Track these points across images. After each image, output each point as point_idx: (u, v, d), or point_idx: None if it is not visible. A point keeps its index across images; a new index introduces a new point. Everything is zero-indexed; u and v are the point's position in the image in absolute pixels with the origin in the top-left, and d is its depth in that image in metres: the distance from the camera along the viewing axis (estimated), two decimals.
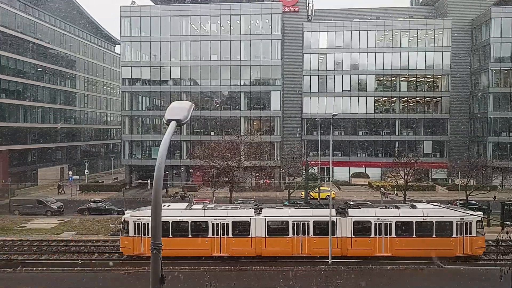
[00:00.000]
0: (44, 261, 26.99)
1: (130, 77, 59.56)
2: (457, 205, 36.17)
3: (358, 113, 62.14)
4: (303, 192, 46.35)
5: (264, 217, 26.38)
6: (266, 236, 26.13)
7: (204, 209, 27.31)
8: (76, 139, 74.00)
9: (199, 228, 26.48)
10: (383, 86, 63.54)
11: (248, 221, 26.31)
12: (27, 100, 60.80)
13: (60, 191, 54.63)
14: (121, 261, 26.89)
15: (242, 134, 52.60)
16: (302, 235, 26.19)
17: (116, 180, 63.52)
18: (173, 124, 3.92)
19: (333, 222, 26.01)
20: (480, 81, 61.29)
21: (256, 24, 58.33)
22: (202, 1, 59.96)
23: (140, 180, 59.62)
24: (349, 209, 27.23)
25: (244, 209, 27.92)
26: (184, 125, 4.25)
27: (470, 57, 63.82)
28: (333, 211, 26.35)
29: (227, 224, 26.21)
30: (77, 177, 60.47)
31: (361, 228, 26.37)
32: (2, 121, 55.39)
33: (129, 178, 60.31)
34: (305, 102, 63.20)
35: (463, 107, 63.45)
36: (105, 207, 42.41)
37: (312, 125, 62.72)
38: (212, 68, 58.21)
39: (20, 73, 59.29)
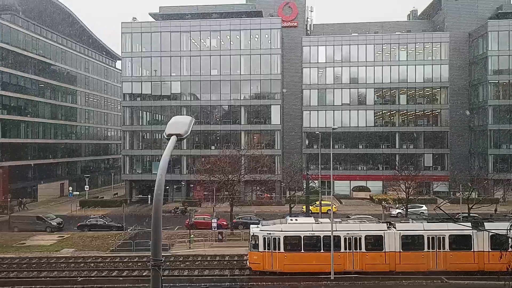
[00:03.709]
0: (43, 279, 26.65)
1: (130, 92, 59.93)
2: (459, 218, 35.82)
3: (358, 126, 62.27)
4: (304, 206, 46.12)
5: (399, 231, 25.70)
6: (401, 251, 25.44)
7: (336, 223, 26.69)
8: (76, 155, 74.00)
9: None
10: (382, 100, 63.82)
11: (381, 235, 25.67)
12: (28, 116, 61.03)
13: (20, 207, 52.73)
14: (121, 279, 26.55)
15: (242, 148, 52.60)
16: (438, 250, 25.44)
17: (116, 196, 63.24)
18: (173, 139, 3.91)
19: (470, 236, 25.18)
20: (478, 93, 61.62)
21: (256, 39, 58.95)
22: (202, 17, 60.72)
23: (141, 196, 59.37)
24: (485, 222, 26.26)
25: (374, 223, 27.50)
26: (185, 140, 4.24)
27: (468, 69, 64.33)
28: (468, 224, 25.44)
29: (360, 239, 25.59)
30: (77, 193, 60.25)
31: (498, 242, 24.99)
32: (3, 137, 55.49)
33: (129, 194, 60.05)
34: (305, 115, 63.42)
35: (462, 119, 63.61)
36: (105, 223, 42.09)
37: (312, 138, 62.78)
38: (212, 83, 58.58)
39: (21, 89, 59.69)
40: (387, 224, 26.57)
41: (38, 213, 46.18)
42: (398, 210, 45.46)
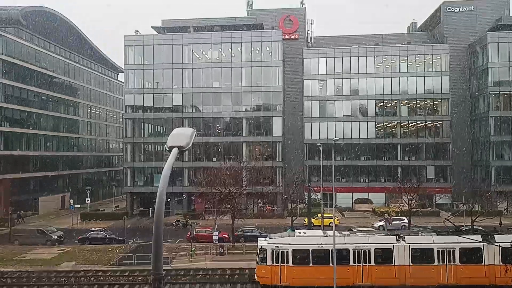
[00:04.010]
0: None
1: (132, 105, 60.20)
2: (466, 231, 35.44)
3: (359, 138, 62.20)
4: (306, 219, 45.80)
5: (408, 244, 25.32)
6: (410, 264, 25.03)
7: (344, 236, 26.47)
8: (78, 167, 73.97)
9: (341, 256, 25.12)
10: (383, 111, 63.87)
11: (391, 248, 25.28)
12: (30, 128, 61.24)
13: (18, 220, 52.29)
14: None
15: (244, 160, 52.54)
16: (448, 263, 25.03)
17: (117, 208, 63.00)
18: (175, 151, 3.89)
19: (480, 249, 24.83)
20: (479, 105, 61.67)
21: (257, 51, 59.41)
22: (204, 30, 61.33)
23: (142, 208, 59.11)
24: (495, 235, 25.89)
25: (383, 235, 27.16)
26: (186, 152, 4.21)
27: (469, 81, 64.51)
28: (478, 237, 25.03)
29: (369, 252, 25.21)
30: (78, 206, 60.04)
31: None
32: (5, 149, 55.59)
33: (130, 206, 59.82)
34: (306, 127, 63.47)
35: (464, 131, 63.54)
36: (106, 236, 41.83)
37: (313, 150, 62.66)
38: (214, 95, 58.85)
39: (24, 101, 60.04)
40: (396, 237, 26.22)
41: (39, 226, 45.95)
42: (380, 223, 45.08)
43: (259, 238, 28.26)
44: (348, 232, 29.00)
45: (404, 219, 44.75)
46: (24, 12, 62.14)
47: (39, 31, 65.68)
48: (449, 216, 32.78)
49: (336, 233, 26.83)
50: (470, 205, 41.69)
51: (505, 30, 59.87)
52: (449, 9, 65.25)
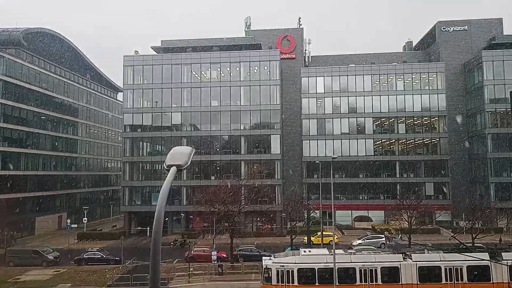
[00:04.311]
0: None
1: (131, 123, 60.38)
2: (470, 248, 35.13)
3: (358, 155, 62.26)
4: (306, 237, 45.38)
5: (415, 263, 24.86)
6: (418, 283, 24.52)
7: (350, 254, 26.07)
8: (75, 186, 73.55)
9: (347, 275, 24.78)
10: (381, 128, 64.16)
11: (397, 267, 24.83)
12: (29, 148, 61.18)
13: (11, 241, 51.10)
14: None
15: (242, 178, 52.36)
16: (455, 282, 24.54)
17: (115, 228, 62.33)
18: (173, 169, 3.90)
19: (488, 267, 24.38)
20: (476, 122, 62.08)
21: (255, 71, 60.07)
22: (203, 50, 62.13)
23: (139, 228, 58.50)
24: (503, 253, 25.50)
25: (390, 253, 26.74)
26: (185, 170, 4.23)
27: (465, 98, 65.12)
28: (486, 254, 24.56)
29: (376, 271, 24.76)
30: (75, 225, 59.37)
31: None
32: (2, 169, 55.35)
33: (128, 226, 59.21)
34: (304, 145, 63.59)
35: (462, 148, 63.76)
36: (102, 256, 41.26)
37: (312, 168, 62.63)
38: (212, 113, 59.15)
39: (23, 121, 60.17)
40: (403, 255, 25.90)
41: (35, 246, 45.36)
42: (358, 241, 44.65)
43: (263, 258, 27.90)
44: (354, 250, 28.66)
45: (382, 237, 44.60)
46: (25, 33, 63.01)
47: (40, 51, 66.43)
48: (455, 234, 32.57)
49: (341, 251, 26.52)
50: (470, 222, 41.44)
51: (499, 48, 60.85)
52: (443, 28, 66.47)
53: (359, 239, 45.74)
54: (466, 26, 66.01)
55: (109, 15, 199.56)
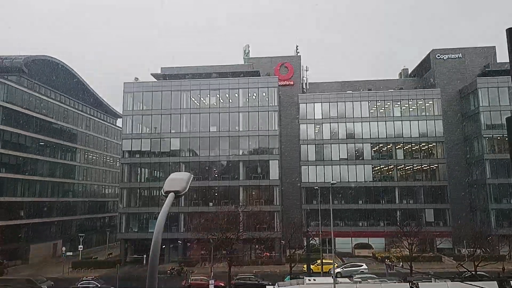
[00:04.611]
0: None
1: (130, 149, 60.36)
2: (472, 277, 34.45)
3: (356, 181, 62.02)
4: (305, 265, 44.53)
5: None
6: None
7: (356, 283, 25.40)
8: (72, 213, 72.65)
9: None
10: (379, 154, 64.23)
11: None
12: (26, 174, 60.82)
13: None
14: None
15: (241, 204, 51.92)
16: None
17: (110, 256, 61.14)
18: (171, 196, 3.86)
19: None
20: (474, 148, 62.28)
21: (254, 97, 60.72)
22: (202, 77, 63.00)
23: (136, 255, 57.40)
24: None
25: (396, 282, 26.06)
26: (182, 197, 4.18)
27: (462, 124, 65.60)
28: (494, 283, 23.95)
29: None
30: (71, 253, 58.26)
31: None
32: None
33: (124, 253, 58.08)
34: (303, 170, 63.42)
35: (461, 173, 63.66)
36: (97, 285, 40.25)
37: (311, 194, 62.23)
38: (211, 139, 59.32)
39: (21, 147, 60.14)
40: (409, 284, 25.32)
41: (28, 275, 44.28)
42: (337, 270, 43.76)
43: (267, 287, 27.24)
44: (360, 279, 28.07)
45: (363, 265, 43.90)
46: (27, 61, 63.98)
47: (41, 78, 67.25)
48: (462, 262, 31.95)
49: (347, 279, 25.94)
50: (472, 250, 40.84)
51: (494, 75, 61.84)
52: (438, 56, 67.81)
53: (338, 267, 44.77)
54: (460, 54, 67.39)
55: (110, 43, 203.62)
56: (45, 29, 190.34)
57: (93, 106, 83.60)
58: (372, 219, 61.89)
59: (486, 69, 64.77)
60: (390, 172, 63.80)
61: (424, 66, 72.40)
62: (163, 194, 3.96)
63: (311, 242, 48.67)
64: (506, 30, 7.93)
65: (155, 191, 60.15)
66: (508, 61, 7.92)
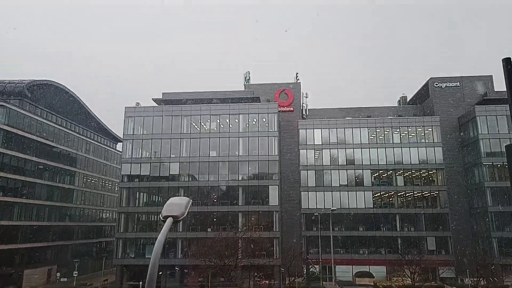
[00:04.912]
0: None
1: (129, 173, 60.15)
2: None
3: (357, 208, 61.43)
4: None
5: None
6: None
7: None
8: (68, 238, 71.59)
9: None
10: (380, 181, 63.92)
11: None
12: (24, 197, 60.36)
13: None
14: None
15: (239, 230, 51.26)
16: None
17: (106, 282, 59.80)
18: (169, 221, 3.83)
19: None
20: (474, 175, 62.07)
21: (254, 122, 61.08)
22: (203, 102, 63.61)
23: (132, 282, 56.13)
24: None
25: None
26: (181, 222, 4.15)
27: (462, 152, 65.64)
28: None
29: None
30: (65, 279, 57.03)
31: None
32: None
33: (120, 280, 56.79)
34: (303, 196, 62.96)
35: (462, 201, 63.16)
36: None
37: (311, 220, 61.53)
38: (210, 164, 59.24)
39: (20, 170, 59.96)
40: None
41: None
42: None
43: None
44: None
45: None
46: (30, 85, 64.78)
47: (43, 102, 67.89)
48: None
49: None
50: (476, 279, 40.00)
51: (491, 104, 62.42)
52: (436, 84, 68.66)
53: None
54: (458, 83, 68.26)
55: (112, 67, 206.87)
56: (47, 53, 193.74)
57: (94, 130, 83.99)
58: (373, 246, 60.92)
59: (484, 98, 65.44)
60: (390, 199, 63.31)
61: (423, 93, 73.19)
62: (162, 219, 3.93)
63: (311, 269, 47.74)
64: (502, 60, 8.09)
65: (153, 216, 59.52)
66: (506, 89, 8.04)
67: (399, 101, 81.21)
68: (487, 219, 57.74)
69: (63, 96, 73.53)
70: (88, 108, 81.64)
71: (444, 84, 68.44)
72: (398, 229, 60.66)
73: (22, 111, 61.37)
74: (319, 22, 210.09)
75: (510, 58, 7.99)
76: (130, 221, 59.78)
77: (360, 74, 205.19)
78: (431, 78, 69.65)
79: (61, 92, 73.00)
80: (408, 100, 79.40)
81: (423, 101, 72.85)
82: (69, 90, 74.99)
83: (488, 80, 68.59)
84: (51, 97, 69.53)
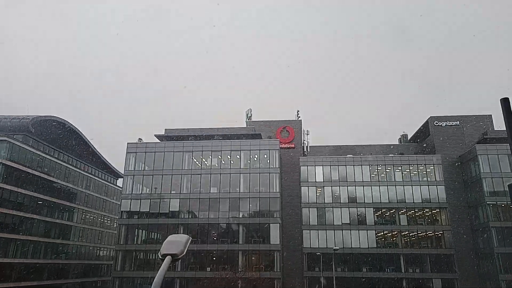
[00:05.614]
0: None
1: (129, 210, 59.48)
2: None
3: (360, 247, 60.00)
4: None
5: None
6: None
7: None
8: (63, 276, 69.65)
9: None
10: (382, 219, 62.90)
11: None
12: (21, 234, 59.35)
13: None
14: None
15: (239, 270, 49.88)
16: None
17: None
18: (168, 259, 3.74)
19: None
20: (478, 214, 61.10)
21: (255, 159, 61.11)
22: (205, 139, 64.02)
23: None
24: None
25: None
26: (179, 260, 4.05)
27: (465, 191, 64.99)
28: None
29: None
30: None
31: None
32: None
33: None
34: (305, 235, 61.71)
35: (467, 241, 61.74)
36: None
37: (313, 259, 59.95)
38: (211, 200, 58.67)
39: (19, 205, 59.39)
40: None
41: None
42: None
43: None
44: None
45: None
46: (34, 121, 65.60)
47: (46, 137, 68.44)
48: None
49: None
50: None
51: (492, 143, 62.61)
52: (436, 123, 69.23)
53: None
54: (458, 122, 68.82)
55: (113, 102, 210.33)
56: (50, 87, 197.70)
57: (95, 165, 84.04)
58: None
59: (484, 137, 65.75)
60: (394, 239, 61.97)
61: (423, 132, 73.65)
62: (160, 257, 3.83)
63: None
64: (500, 100, 8.21)
65: (151, 254, 58.19)
66: (505, 128, 8.10)
67: (399, 138, 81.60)
68: (494, 261, 56.16)
69: (66, 131, 74.25)
70: (91, 143, 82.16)
71: (444, 123, 68.99)
72: (403, 271, 58.89)
73: (26, 147, 61.72)
74: (320, 59, 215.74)
75: (507, 98, 8.12)
76: (128, 259, 58.38)
77: (361, 112, 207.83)
78: (431, 116, 70.33)
79: (65, 128, 73.79)
80: (409, 138, 79.81)
81: (423, 139, 73.16)
82: (72, 125, 75.83)
83: (488, 119, 69.21)
84: (54, 132, 70.18)
